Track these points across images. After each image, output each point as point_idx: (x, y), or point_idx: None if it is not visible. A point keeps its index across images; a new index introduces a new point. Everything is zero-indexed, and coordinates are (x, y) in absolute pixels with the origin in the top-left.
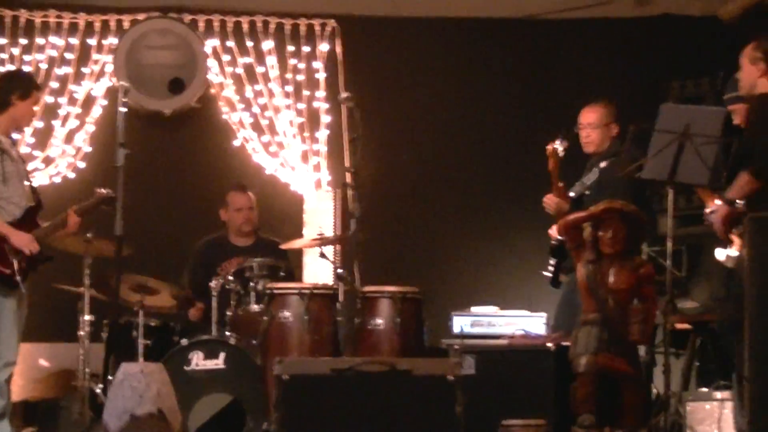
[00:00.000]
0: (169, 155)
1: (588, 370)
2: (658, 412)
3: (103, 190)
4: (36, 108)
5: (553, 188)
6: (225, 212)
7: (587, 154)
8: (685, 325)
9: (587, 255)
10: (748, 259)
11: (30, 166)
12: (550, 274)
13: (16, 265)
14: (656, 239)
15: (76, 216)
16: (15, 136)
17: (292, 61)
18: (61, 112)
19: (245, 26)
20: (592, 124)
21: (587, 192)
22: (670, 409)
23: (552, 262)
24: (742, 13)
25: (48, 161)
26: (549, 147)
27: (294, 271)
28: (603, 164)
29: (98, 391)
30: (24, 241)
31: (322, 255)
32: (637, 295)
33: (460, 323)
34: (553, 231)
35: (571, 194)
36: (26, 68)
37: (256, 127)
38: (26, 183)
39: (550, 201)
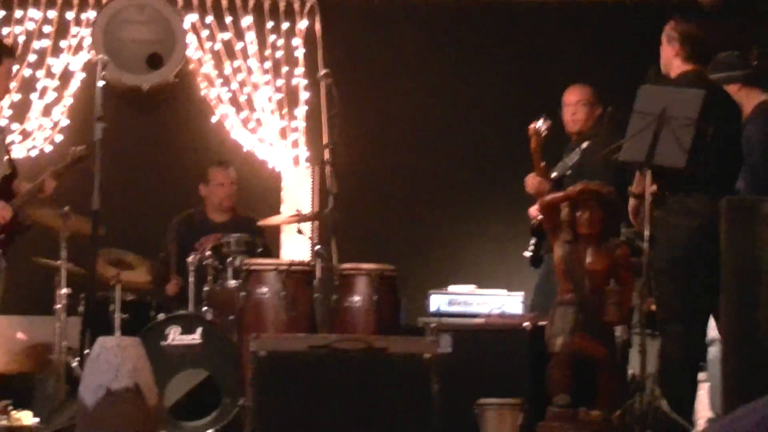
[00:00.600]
0: (146, 130)
1: (564, 350)
2: (634, 393)
3: (77, 148)
4: (10, 74)
5: (534, 168)
6: (205, 187)
7: (567, 137)
8: None
9: (564, 235)
10: (724, 242)
11: (7, 139)
12: (530, 254)
13: None
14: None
15: (53, 179)
16: None
17: (271, 38)
18: (39, 85)
19: (224, 2)
20: (581, 101)
21: (568, 173)
22: (646, 390)
23: (532, 241)
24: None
25: (25, 134)
26: (531, 126)
27: (271, 248)
28: (584, 145)
29: (74, 365)
30: None
31: (300, 232)
32: (614, 277)
33: (437, 302)
34: (533, 210)
35: (553, 175)
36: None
37: (235, 103)
38: (4, 155)
39: (531, 181)
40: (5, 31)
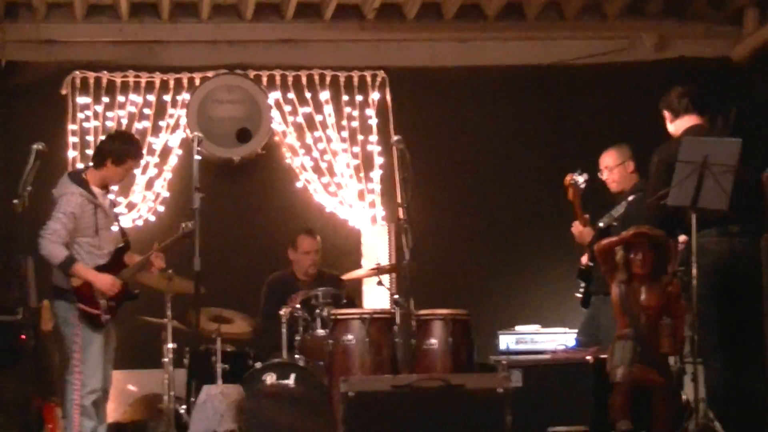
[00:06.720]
0: (238, 198)
1: (624, 380)
2: (689, 417)
3: (186, 224)
4: (128, 173)
5: (577, 218)
6: (293, 252)
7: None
8: None
9: (620, 276)
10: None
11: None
12: (581, 296)
13: (103, 306)
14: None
15: (160, 253)
16: None
17: (347, 110)
18: (142, 162)
19: (304, 79)
20: (609, 166)
21: (615, 224)
22: (700, 414)
23: (582, 284)
24: (751, 55)
25: (131, 206)
26: (567, 178)
27: (354, 299)
28: (630, 198)
29: (182, 411)
30: (107, 285)
31: (380, 283)
32: (666, 312)
33: (505, 341)
34: (584, 259)
35: (600, 225)
36: (109, 124)
37: (317, 169)
38: (115, 228)
39: (575, 230)
40: (110, 114)
